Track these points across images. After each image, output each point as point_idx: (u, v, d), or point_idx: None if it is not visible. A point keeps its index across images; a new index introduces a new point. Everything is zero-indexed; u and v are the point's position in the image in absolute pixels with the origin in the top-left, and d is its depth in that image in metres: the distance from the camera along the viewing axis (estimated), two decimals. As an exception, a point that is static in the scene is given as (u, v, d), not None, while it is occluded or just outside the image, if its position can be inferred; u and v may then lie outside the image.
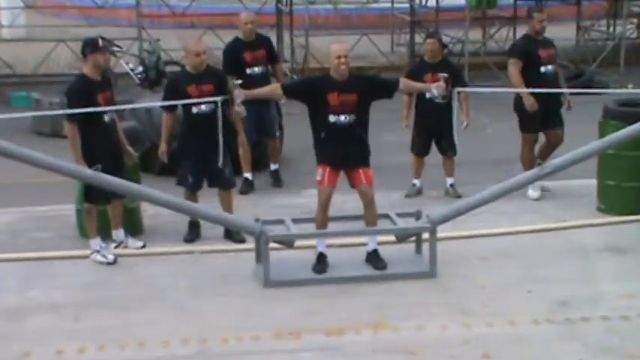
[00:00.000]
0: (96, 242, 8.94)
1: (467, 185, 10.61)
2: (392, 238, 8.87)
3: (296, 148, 12.35)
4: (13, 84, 17.67)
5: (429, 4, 20.80)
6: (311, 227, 8.66)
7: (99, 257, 8.90)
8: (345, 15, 23.95)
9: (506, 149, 11.67)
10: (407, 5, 19.94)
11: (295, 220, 8.77)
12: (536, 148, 10.66)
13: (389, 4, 21.53)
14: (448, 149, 10.63)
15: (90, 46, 8.85)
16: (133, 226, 9.49)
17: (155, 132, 10.45)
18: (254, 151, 11.25)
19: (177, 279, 8.57)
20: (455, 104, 9.73)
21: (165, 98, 9.48)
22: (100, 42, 8.94)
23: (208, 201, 9.51)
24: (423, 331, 7.51)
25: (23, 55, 19.35)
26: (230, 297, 8.17)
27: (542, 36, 10.57)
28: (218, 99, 9.11)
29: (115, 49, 15.14)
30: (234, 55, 11.13)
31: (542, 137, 10.64)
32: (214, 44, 16.64)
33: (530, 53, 10.39)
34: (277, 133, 11.62)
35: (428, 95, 10.02)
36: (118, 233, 9.18)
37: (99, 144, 8.74)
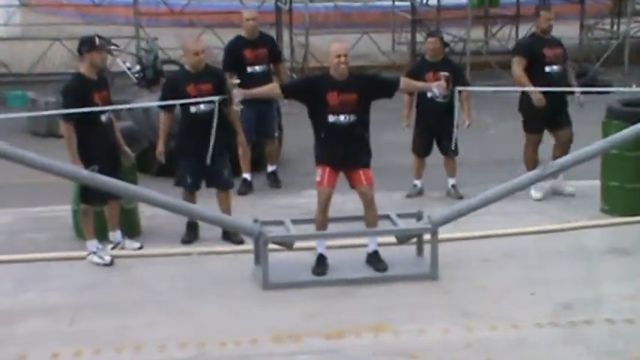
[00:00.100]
0: (92, 243, 8.92)
1: (469, 186, 10.58)
2: (393, 239, 8.82)
3: (295, 149, 12.33)
4: (8, 83, 17.63)
5: (430, 2, 20.88)
6: (311, 228, 8.63)
7: (95, 259, 8.87)
8: (346, 13, 23.97)
9: (509, 149, 11.65)
10: (408, 3, 19.92)
11: (295, 221, 8.73)
12: (540, 149, 10.61)
13: (390, 3, 21.51)
14: (450, 149, 10.57)
15: (86, 45, 8.81)
16: (130, 227, 9.45)
17: (153, 132, 10.44)
18: (253, 151, 11.22)
19: (174, 281, 8.53)
20: (456, 103, 9.68)
21: (163, 98, 9.44)
22: (97, 40, 8.89)
23: (206, 202, 9.48)
24: (424, 335, 7.47)
25: (19, 54, 19.32)
26: (228, 299, 8.14)
27: (550, 35, 10.51)
28: (216, 98, 9.08)
29: (112, 47, 15.12)
30: (236, 52, 11.12)
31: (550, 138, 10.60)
32: (213, 43, 16.66)
33: (535, 52, 10.35)
34: (276, 134, 11.57)
35: (429, 95, 10.03)
36: (115, 234, 9.16)
37: (95, 144, 8.72)
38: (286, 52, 18.88)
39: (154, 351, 7.22)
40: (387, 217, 8.79)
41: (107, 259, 8.86)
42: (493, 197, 8.73)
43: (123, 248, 9.13)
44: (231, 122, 9.41)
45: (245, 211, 9.61)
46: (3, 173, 10.72)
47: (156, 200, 8.48)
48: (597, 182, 10.19)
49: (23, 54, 19.23)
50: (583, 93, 10.40)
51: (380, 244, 8.67)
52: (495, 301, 8.00)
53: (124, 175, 8.83)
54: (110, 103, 8.99)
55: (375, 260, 8.61)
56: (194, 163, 9.27)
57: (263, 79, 10.49)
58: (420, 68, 10.61)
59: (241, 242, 9.22)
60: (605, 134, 9.62)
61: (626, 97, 10.46)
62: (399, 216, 8.83)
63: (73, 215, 9.46)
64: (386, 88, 8.66)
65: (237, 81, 9.17)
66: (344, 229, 8.81)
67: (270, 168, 11.54)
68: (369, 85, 8.55)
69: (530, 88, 10.20)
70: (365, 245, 8.70)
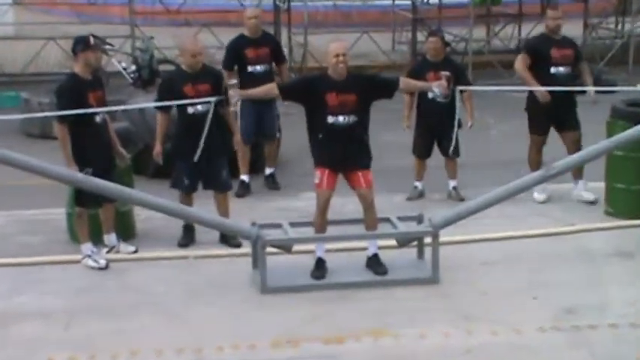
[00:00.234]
0: (87, 247, 8.88)
1: (470, 188, 10.54)
2: (393, 242, 8.79)
3: (293, 149, 12.27)
4: (1, 83, 17.57)
5: (431, 0, 20.89)
6: (309, 231, 8.61)
7: (90, 262, 8.83)
8: (345, 12, 23.97)
9: (512, 150, 11.71)
10: (409, 2, 19.89)
11: (293, 224, 8.72)
12: (545, 150, 10.56)
13: (390, 1, 21.49)
14: (451, 150, 10.50)
15: (81, 44, 8.77)
16: (126, 230, 9.41)
17: (149, 133, 10.43)
18: (252, 152, 11.19)
19: (171, 285, 8.49)
20: (457, 104, 9.62)
21: (159, 98, 9.40)
22: (92, 40, 8.85)
23: (203, 204, 9.43)
24: (424, 339, 7.43)
25: (12, 54, 19.22)
26: (226, 304, 8.10)
27: (560, 35, 10.45)
28: (212, 99, 9.05)
29: (107, 47, 15.06)
30: (237, 51, 11.10)
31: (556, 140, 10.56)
32: (210, 42, 16.62)
33: (541, 51, 10.30)
34: (277, 135, 11.55)
35: (430, 95, 10.00)
36: (110, 237, 9.12)
37: (90, 145, 8.69)
38: (284, 52, 18.82)
39: (150, 356, 7.20)
40: (387, 219, 8.75)
41: (102, 262, 8.82)
42: (495, 199, 8.70)
43: (118, 252, 9.09)
44: (228, 123, 9.35)
45: (243, 213, 9.58)
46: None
47: (151, 203, 8.45)
48: (602, 184, 10.18)
49: (16, 53, 19.14)
50: (585, 92, 10.34)
51: (380, 248, 8.64)
52: (497, 305, 7.97)
53: (119, 177, 8.80)
54: (105, 104, 8.95)
55: (374, 264, 8.57)
56: (191, 165, 9.21)
57: (263, 79, 10.41)
58: (420, 68, 10.58)
59: (239, 245, 9.16)
60: (610, 134, 9.58)
61: (631, 97, 10.45)
62: (400, 218, 8.79)
63: (67, 218, 9.42)
64: (386, 88, 8.61)
65: (234, 81, 9.12)
66: (343, 232, 8.77)
67: (268, 170, 11.49)
68: (368, 85, 8.50)
69: (533, 88, 10.16)
70: (365, 248, 8.67)
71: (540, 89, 10.09)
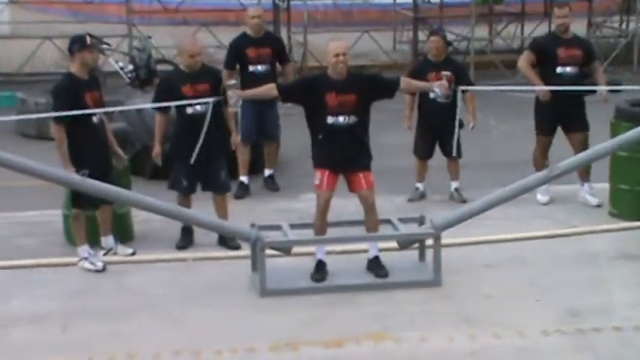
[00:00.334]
0: (84, 249, 8.85)
1: (472, 189, 10.52)
2: (394, 244, 8.76)
3: (293, 150, 12.26)
4: (-3, 83, 17.62)
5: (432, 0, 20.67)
6: (309, 233, 8.58)
7: (87, 265, 8.80)
8: (346, 11, 24.01)
9: (514, 151, 11.80)
10: (410, 1, 19.94)
11: (293, 226, 8.67)
12: (551, 151, 10.52)
13: (391, 0, 21.42)
14: (452, 151, 10.45)
15: (77, 44, 8.73)
16: (123, 233, 9.39)
17: (146, 134, 10.42)
18: (251, 153, 11.17)
19: (168, 287, 8.46)
20: (458, 104, 9.57)
21: (157, 98, 9.35)
22: (88, 39, 8.80)
23: (202, 205, 9.42)
24: (426, 343, 7.39)
25: (7, 53, 19.22)
26: (224, 306, 8.06)
27: (570, 34, 10.38)
28: (211, 100, 9.02)
29: (104, 46, 14.95)
30: (238, 50, 11.08)
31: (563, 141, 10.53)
32: (208, 41, 16.60)
33: (547, 50, 10.26)
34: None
35: (431, 95, 9.91)
36: (107, 240, 9.10)
37: (87, 146, 8.66)
38: (285, 51, 18.85)
39: (147, 359, 7.16)
40: (388, 221, 8.72)
41: (99, 265, 8.79)
42: (497, 201, 8.67)
43: (115, 254, 9.07)
44: (226, 123, 9.32)
45: (242, 215, 9.55)
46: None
47: (149, 205, 8.43)
48: (606, 185, 10.17)
49: (12, 53, 19.14)
50: (590, 92, 10.29)
51: (381, 250, 8.61)
52: (500, 308, 7.93)
53: (117, 179, 8.79)
54: (102, 104, 8.93)
55: (375, 266, 8.53)
56: (189, 166, 9.17)
57: (264, 79, 10.34)
58: (422, 68, 10.56)
59: (238, 247, 9.13)
60: (614, 135, 9.56)
61: (636, 97, 10.41)
62: (401, 220, 8.75)
63: (63, 220, 9.40)
64: (386, 88, 8.57)
65: (234, 81, 9.08)
66: (344, 234, 8.74)
67: (267, 172, 11.45)
68: (368, 85, 8.47)
69: (535, 87, 10.12)
70: (365, 251, 8.64)
71: (543, 88, 10.06)
